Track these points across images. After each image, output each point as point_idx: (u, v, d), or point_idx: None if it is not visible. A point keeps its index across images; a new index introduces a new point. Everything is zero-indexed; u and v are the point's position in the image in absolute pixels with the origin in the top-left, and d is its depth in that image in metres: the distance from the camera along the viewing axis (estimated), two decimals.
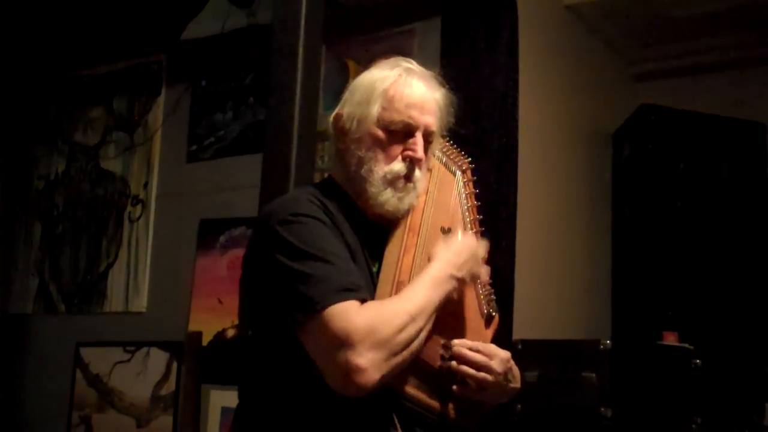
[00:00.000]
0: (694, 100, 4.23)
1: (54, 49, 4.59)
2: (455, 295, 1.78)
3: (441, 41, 3.60)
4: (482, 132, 3.40)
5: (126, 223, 4.31)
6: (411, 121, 1.83)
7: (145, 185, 4.29)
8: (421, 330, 1.65)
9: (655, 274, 3.98)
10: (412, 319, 1.64)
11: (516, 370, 1.87)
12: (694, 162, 4.09)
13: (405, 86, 1.85)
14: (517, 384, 1.87)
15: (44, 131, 4.66)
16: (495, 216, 3.31)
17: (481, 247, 1.86)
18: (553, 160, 3.88)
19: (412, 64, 1.91)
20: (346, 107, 1.88)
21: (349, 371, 1.56)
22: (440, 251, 1.78)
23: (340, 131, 1.88)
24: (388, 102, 1.83)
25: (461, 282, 1.77)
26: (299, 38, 2.88)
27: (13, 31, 4.52)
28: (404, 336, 1.62)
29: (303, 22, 2.89)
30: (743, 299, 3.94)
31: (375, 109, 1.83)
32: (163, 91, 4.35)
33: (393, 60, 1.93)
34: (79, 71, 4.60)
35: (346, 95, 1.91)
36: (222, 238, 3.99)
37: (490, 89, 3.45)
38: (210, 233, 4.03)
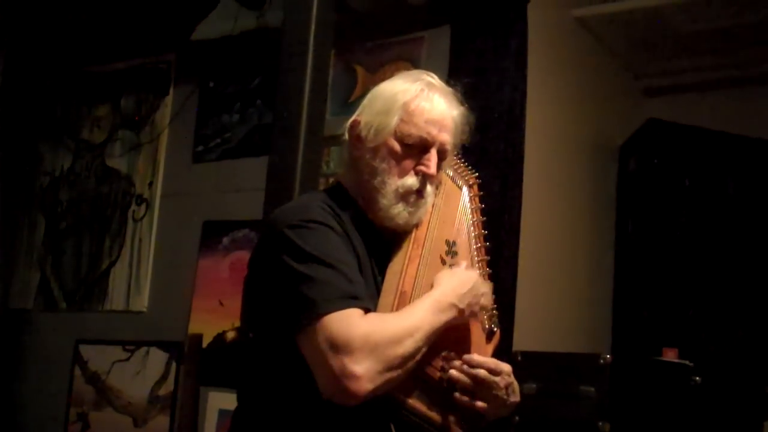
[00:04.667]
0: (701, 116, 4.23)
1: (63, 45, 4.60)
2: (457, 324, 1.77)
3: (450, 49, 3.60)
4: (488, 141, 3.39)
5: (130, 221, 4.31)
6: (428, 137, 1.83)
7: (150, 184, 4.29)
8: (418, 349, 1.64)
9: (657, 290, 3.97)
10: (411, 335, 1.63)
11: (515, 384, 1.87)
12: (700, 178, 4.08)
13: (426, 101, 1.85)
14: (516, 398, 1.87)
15: (51, 127, 4.67)
16: (498, 226, 3.30)
17: (484, 285, 1.85)
18: (558, 172, 3.87)
19: (434, 79, 1.91)
20: (365, 115, 1.88)
21: (344, 377, 1.56)
22: (444, 279, 1.78)
23: (356, 138, 1.88)
24: (408, 115, 1.83)
25: (461, 313, 1.76)
26: (309, 42, 2.88)
27: (22, 26, 4.53)
28: (402, 351, 1.61)
29: (313, 26, 2.89)
30: (745, 317, 3.93)
31: (394, 121, 1.83)
32: (171, 90, 4.35)
33: (415, 73, 1.93)
34: (88, 68, 4.61)
35: (365, 103, 1.91)
36: (225, 240, 3.99)
37: (498, 99, 3.44)
38: (213, 235, 4.03)
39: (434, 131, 1.83)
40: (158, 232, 4.23)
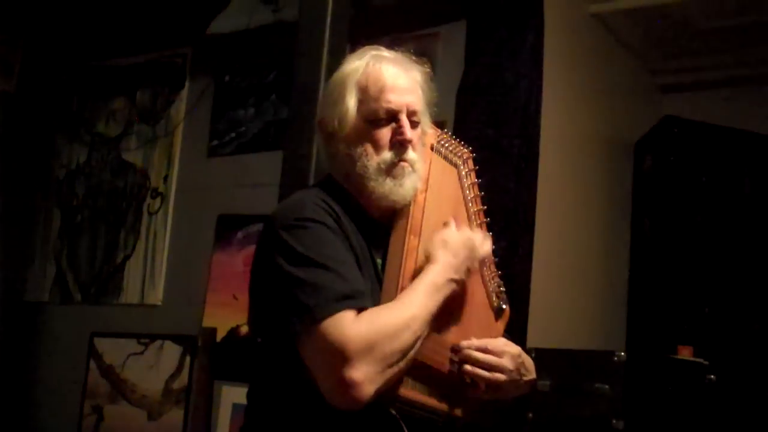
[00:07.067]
0: (718, 113, 4.21)
1: (79, 39, 4.61)
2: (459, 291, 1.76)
3: (465, 45, 3.58)
4: (504, 137, 3.38)
5: (145, 215, 4.32)
6: (391, 105, 1.79)
7: (165, 178, 4.30)
8: (417, 338, 1.63)
9: (671, 287, 3.96)
10: (408, 327, 1.61)
11: (529, 362, 1.85)
12: (716, 176, 4.06)
13: (375, 73, 1.82)
14: (531, 375, 1.85)
15: (67, 121, 4.68)
16: (513, 222, 3.29)
17: (478, 238, 1.82)
18: (573, 168, 3.86)
19: (382, 51, 1.87)
20: (326, 110, 1.85)
21: (345, 385, 1.54)
22: (439, 252, 1.74)
23: (328, 136, 1.85)
24: (364, 93, 1.80)
25: (459, 283, 1.75)
26: (324, 37, 2.88)
27: (39, 20, 4.55)
28: (400, 345, 1.59)
29: (329, 21, 2.90)
30: (761, 316, 3.91)
31: (352, 104, 1.80)
32: (187, 84, 4.36)
33: (360, 51, 1.89)
34: (104, 62, 4.62)
35: (323, 98, 1.89)
36: (240, 234, 3.99)
37: (514, 94, 3.43)
38: (228, 229, 4.03)
39: (395, 98, 1.79)
40: (173, 225, 4.24)
